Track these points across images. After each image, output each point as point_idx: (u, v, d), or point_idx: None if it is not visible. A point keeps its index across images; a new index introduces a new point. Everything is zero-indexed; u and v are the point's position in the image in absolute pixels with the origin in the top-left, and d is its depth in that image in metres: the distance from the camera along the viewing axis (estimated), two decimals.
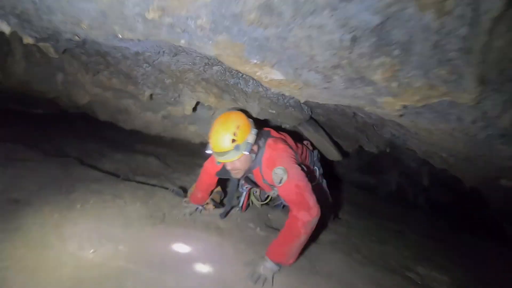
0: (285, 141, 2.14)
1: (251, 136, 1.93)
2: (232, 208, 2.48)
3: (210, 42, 1.68)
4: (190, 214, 2.35)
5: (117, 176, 2.74)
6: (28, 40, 1.99)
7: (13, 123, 3.72)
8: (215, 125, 1.94)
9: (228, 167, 2.01)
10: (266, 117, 3.03)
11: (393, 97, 1.48)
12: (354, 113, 2.61)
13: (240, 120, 1.94)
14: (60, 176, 2.50)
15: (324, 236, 2.52)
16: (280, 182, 1.86)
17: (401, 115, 1.68)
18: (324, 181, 2.60)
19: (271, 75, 1.83)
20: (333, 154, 3.43)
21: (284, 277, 1.89)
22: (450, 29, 1.13)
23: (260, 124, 2.17)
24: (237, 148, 1.87)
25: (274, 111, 2.87)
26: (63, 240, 1.82)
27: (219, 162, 2.06)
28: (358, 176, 4.61)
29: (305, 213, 1.79)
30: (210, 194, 2.51)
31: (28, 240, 1.76)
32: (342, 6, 1.16)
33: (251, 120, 2.04)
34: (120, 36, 1.82)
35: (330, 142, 3.37)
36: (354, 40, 1.27)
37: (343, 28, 1.23)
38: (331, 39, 1.29)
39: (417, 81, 1.35)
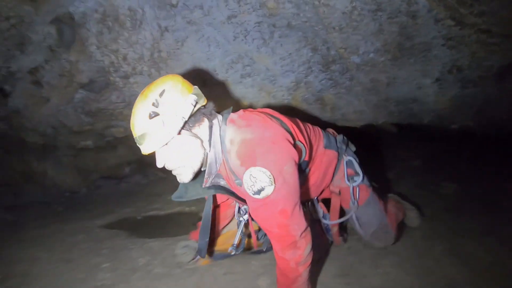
0: (269, 115, 1.37)
1: (185, 106, 1.17)
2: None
3: None
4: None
5: None
6: None
7: None
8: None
9: (160, 163, 1.24)
10: None
11: None
12: None
13: (168, 82, 1.20)
14: None
15: None
16: (256, 194, 1.17)
17: None
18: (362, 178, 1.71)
19: None
20: None
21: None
22: None
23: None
24: (159, 123, 1.15)
25: None
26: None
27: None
28: None
29: (293, 251, 1.25)
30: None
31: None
32: None
33: (195, 86, 1.26)
34: None
35: None
36: None
37: None
38: None
39: None
